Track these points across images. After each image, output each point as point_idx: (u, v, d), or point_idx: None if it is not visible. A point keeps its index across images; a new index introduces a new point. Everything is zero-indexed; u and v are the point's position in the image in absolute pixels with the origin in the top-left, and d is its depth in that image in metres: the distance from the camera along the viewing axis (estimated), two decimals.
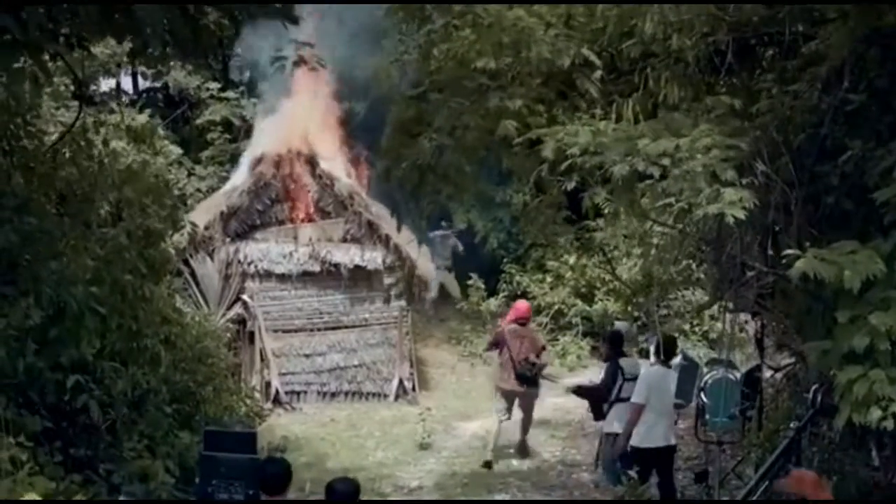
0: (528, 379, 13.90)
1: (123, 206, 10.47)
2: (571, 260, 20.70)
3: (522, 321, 14.44)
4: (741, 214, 6.97)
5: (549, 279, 21.83)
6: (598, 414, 12.23)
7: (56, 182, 9.96)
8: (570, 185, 8.98)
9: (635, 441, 10.71)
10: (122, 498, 8.93)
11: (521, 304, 15.20)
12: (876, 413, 6.58)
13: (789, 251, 6.54)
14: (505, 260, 22.98)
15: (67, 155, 10.19)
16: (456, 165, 9.39)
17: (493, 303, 22.04)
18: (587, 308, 20.67)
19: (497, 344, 14.43)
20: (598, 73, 8.98)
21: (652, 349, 11.41)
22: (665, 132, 7.52)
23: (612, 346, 12.35)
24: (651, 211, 9.40)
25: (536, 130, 8.66)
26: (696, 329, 19.25)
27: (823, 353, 6.81)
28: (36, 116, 9.71)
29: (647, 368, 11.13)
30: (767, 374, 12.47)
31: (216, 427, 9.88)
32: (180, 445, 10.22)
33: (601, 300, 20.46)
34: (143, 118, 19.82)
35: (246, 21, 7.81)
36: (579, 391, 12.97)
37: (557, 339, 20.54)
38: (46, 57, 7.42)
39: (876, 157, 7.24)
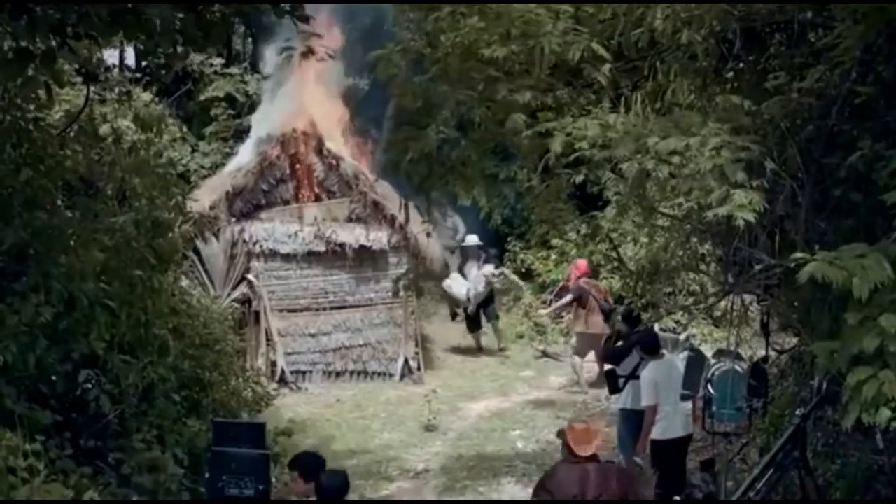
0: (609, 315, 16.36)
1: (130, 194, 10.46)
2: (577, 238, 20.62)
3: (588, 275, 17.65)
4: (751, 217, 6.97)
5: (553, 256, 21.76)
6: (614, 388, 12.25)
7: (64, 172, 9.92)
8: (579, 179, 8.99)
9: (655, 435, 10.77)
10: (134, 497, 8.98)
11: (582, 262, 18.09)
12: (885, 414, 6.56)
13: (798, 255, 6.52)
14: (509, 238, 22.91)
15: (72, 134, 10.15)
16: (463, 157, 9.37)
17: None
18: None
19: (579, 298, 17.13)
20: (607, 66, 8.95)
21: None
22: (674, 129, 7.49)
23: (626, 322, 12.66)
24: (659, 203, 9.40)
25: (545, 124, 8.64)
26: (700, 307, 19.15)
27: (832, 353, 6.81)
28: (44, 107, 9.65)
29: (647, 369, 11.11)
30: (772, 354, 12.49)
31: (224, 418, 9.89)
32: (189, 433, 10.22)
33: (605, 278, 20.36)
34: (147, 96, 19.78)
35: (255, 18, 7.76)
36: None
37: (562, 317, 20.45)
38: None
39: (886, 158, 7.23)
